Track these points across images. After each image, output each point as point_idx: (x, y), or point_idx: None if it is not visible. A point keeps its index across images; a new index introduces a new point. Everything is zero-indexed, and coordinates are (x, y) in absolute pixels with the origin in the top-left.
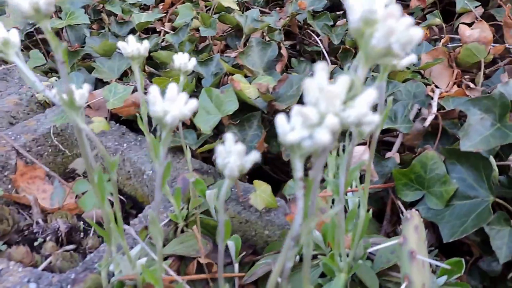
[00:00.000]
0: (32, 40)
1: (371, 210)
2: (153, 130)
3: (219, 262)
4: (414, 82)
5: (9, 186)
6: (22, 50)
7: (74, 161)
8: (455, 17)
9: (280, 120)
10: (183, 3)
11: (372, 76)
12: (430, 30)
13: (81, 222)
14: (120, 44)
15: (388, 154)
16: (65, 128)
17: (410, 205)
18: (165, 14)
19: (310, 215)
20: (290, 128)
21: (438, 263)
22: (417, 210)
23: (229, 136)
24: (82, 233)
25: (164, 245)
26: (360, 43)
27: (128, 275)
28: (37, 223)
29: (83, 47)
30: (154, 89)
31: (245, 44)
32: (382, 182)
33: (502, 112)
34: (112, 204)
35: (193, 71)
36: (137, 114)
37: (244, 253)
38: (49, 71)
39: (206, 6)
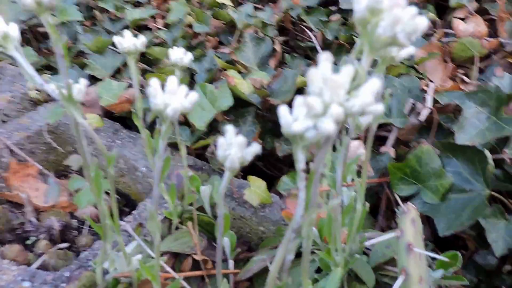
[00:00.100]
0: (23, 37)
1: (367, 204)
2: (148, 126)
3: (217, 257)
4: (409, 77)
5: (2, 185)
6: None
7: (69, 157)
8: (449, 11)
9: (283, 111)
10: None
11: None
12: None
13: (74, 220)
14: (117, 39)
15: (383, 149)
16: (58, 125)
17: (405, 200)
18: (158, 11)
19: (311, 207)
20: (293, 119)
21: (435, 255)
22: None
23: (229, 128)
24: (75, 231)
25: None
26: (365, 32)
27: (123, 272)
28: (30, 221)
29: (75, 44)
30: (154, 82)
31: (238, 40)
32: (377, 176)
33: (498, 105)
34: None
35: (187, 67)
36: (133, 110)
37: (239, 249)
38: (41, 69)
39: (199, 2)
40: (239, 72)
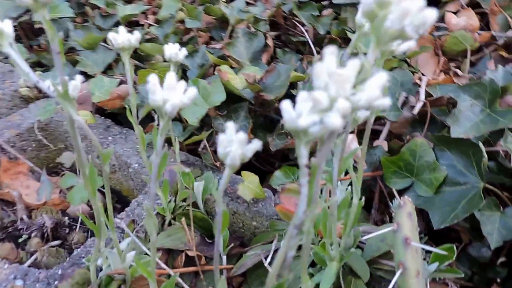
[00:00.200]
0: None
1: (363, 198)
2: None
3: (215, 254)
4: (401, 70)
5: None
6: None
7: (62, 155)
8: (441, 5)
9: (286, 106)
10: None
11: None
12: None
13: (66, 218)
14: (111, 34)
15: (376, 142)
16: (49, 122)
17: (398, 193)
18: (149, 7)
19: (313, 203)
20: (296, 114)
21: (431, 248)
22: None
23: (230, 125)
24: (67, 229)
25: None
26: (373, 26)
27: (117, 269)
28: (22, 219)
29: (66, 40)
30: (153, 78)
31: (230, 36)
32: (370, 170)
33: (492, 98)
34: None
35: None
36: (126, 106)
37: (232, 245)
38: (32, 66)
39: None
40: (231, 67)
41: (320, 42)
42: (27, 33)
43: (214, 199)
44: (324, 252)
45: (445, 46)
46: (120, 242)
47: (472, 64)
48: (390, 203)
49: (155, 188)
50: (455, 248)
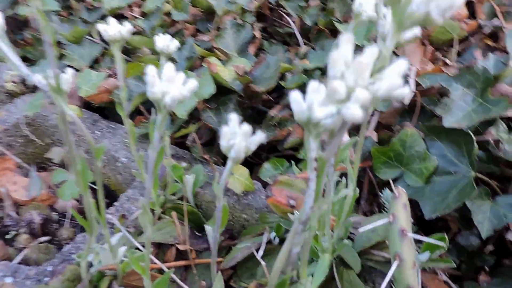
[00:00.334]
0: None
1: (357, 190)
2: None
3: (212, 250)
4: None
5: None
6: None
7: (51, 150)
8: None
9: (296, 96)
10: None
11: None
12: None
13: (55, 213)
14: (101, 27)
15: (366, 133)
16: (36, 118)
17: (388, 184)
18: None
19: (320, 198)
20: (307, 106)
21: (425, 238)
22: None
23: (233, 117)
24: (56, 224)
25: (140, 233)
26: (395, 10)
27: (108, 265)
28: (10, 215)
29: None
30: (151, 70)
31: (218, 28)
32: (359, 161)
33: (484, 86)
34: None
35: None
36: (116, 100)
37: (221, 237)
38: None
39: None
40: (219, 59)
41: (307, 33)
42: (12, 27)
43: (204, 193)
44: (317, 244)
45: (432, 36)
46: (111, 237)
47: (458, 53)
48: (380, 194)
49: (151, 183)
50: (446, 237)
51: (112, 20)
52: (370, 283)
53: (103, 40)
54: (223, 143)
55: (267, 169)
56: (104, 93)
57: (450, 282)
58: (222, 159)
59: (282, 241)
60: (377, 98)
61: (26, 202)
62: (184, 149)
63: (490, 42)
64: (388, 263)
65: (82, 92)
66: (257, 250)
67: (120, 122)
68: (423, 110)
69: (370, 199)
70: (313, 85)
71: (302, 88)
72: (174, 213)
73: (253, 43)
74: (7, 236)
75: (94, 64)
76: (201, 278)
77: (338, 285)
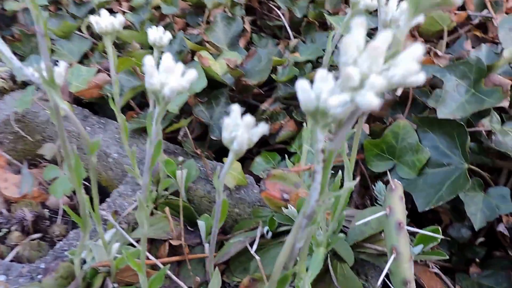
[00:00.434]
0: None
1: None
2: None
3: (211, 246)
4: None
5: None
6: None
7: (43, 146)
8: None
9: (303, 85)
10: None
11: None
12: None
13: (46, 210)
14: (93, 19)
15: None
16: (26, 114)
17: (379, 176)
18: None
19: (325, 192)
20: (315, 94)
21: (419, 230)
22: (387, 180)
23: (235, 108)
24: (47, 221)
25: (133, 229)
26: None
27: (102, 261)
28: (1, 213)
29: None
30: (149, 60)
31: (207, 21)
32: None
33: (478, 77)
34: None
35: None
36: (108, 95)
37: None
38: None
39: None
40: (210, 53)
41: (297, 26)
42: None
43: (196, 188)
44: (312, 238)
45: (422, 27)
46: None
47: (447, 45)
48: (373, 186)
49: (148, 179)
50: (440, 229)
51: (104, 12)
52: (363, 275)
53: (92, 35)
54: (225, 135)
55: (258, 163)
56: (95, 88)
57: (441, 274)
58: (214, 153)
59: (275, 235)
60: (392, 84)
61: (17, 199)
62: (176, 144)
63: (478, 33)
64: (380, 256)
65: (73, 88)
66: (251, 245)
67: (111, 117)
68: (415, 102)
69: (362, 192)
70: (321, 73)
71: (293, 81)
72: (167, 209)
73: (243, 37)
74: None
75: (84, 59)
76: (195, 273)
77: (333, 278)
